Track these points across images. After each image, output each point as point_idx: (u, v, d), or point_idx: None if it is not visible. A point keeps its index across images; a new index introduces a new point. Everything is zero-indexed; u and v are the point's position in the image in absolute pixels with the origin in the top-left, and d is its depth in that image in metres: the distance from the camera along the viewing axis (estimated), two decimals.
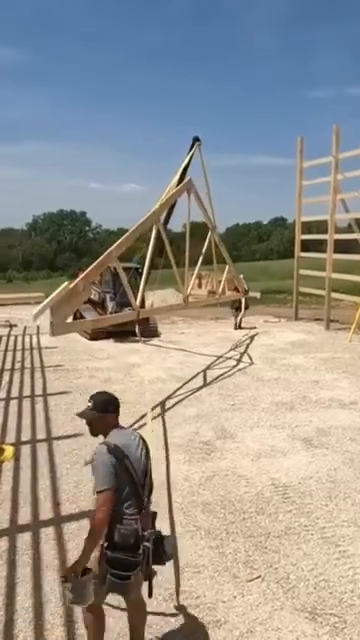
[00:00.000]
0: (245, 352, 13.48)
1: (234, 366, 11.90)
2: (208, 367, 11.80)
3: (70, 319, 8.10)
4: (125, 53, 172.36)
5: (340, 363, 12.18)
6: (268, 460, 6.67)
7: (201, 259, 13.22)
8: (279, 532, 4.98)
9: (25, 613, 3.86)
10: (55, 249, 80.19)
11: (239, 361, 12.39)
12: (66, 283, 7.51)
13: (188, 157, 13.38)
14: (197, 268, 12.98)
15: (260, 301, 18.74)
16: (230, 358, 12.68)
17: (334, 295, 18.14)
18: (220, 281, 15.60)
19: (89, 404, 3.23)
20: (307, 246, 20.16)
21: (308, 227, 20.79)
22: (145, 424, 7.86)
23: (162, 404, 8.92)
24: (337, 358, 12.73)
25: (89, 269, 8.53)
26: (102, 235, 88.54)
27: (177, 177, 12.83)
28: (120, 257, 9.63)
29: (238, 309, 17.16)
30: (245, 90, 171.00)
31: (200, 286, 22.56)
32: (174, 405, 8.96)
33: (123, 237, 9.22)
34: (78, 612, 3.88)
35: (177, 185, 12.24)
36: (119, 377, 10.85)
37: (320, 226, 19.49)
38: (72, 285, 7.53)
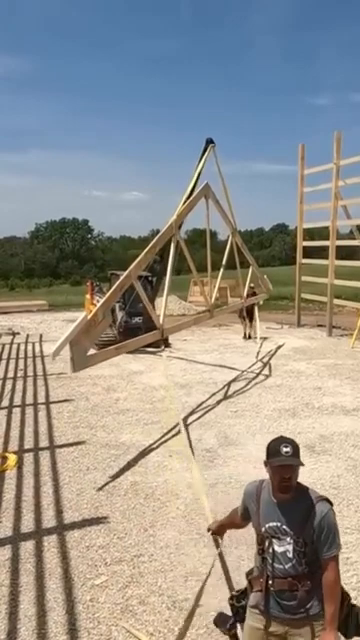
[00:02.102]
0: (247, 359, 13.48)
1: (237, 373, 11.90)
2: (210, 374, 11.81)
3: (91, 351, 7.58)
4: (128, 59, 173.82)
5: (342, 369, 12.18)
6: None
7: (223, 265, 12.90)
8: None
9: (28, 622, 3.86)
10: (57, 257, 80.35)
11: (242, 369, 12.39)
12: (84, 314, 7.20)
13: (202, 161, 13.08)
14: (220, 274, 12.63)
15: (262, 308, 18.78)
16: (232, 365, 12.68)
17: (336, 301, 18.17)
18: (227, 287, 15.23)
19: (286, 450, 2.55)
20: (309, 252, 20.19)
21: (310, 234, 20.85)
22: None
23: (164, 411, 8.92)
24: (339, 364, 12.73)
25: (108, 294, 8.00)
26: (104, 242, 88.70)
27: (192, 184, 12.52)
28: (124, 266, 9.31)
29: (245, 318, 16.55)
30: (247, 93, 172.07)
31: (202, 293, 22.35)
32: (176, 412, 8.95)
33: (142, 254, 8.53)
34: (81, 620, 3.88)
35: (191, 192, 11.93)
36: (122, 384, 10.87)
37: (322, 233, 19.54)
38: (90, 315, 7.18)
